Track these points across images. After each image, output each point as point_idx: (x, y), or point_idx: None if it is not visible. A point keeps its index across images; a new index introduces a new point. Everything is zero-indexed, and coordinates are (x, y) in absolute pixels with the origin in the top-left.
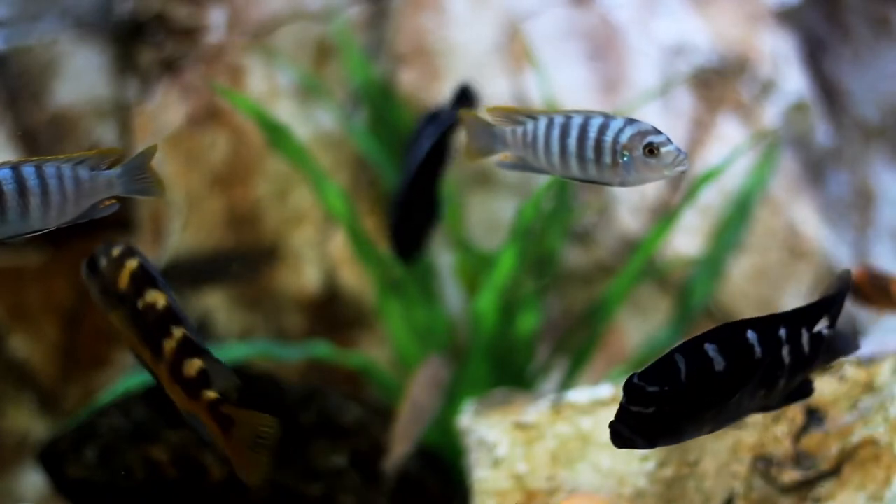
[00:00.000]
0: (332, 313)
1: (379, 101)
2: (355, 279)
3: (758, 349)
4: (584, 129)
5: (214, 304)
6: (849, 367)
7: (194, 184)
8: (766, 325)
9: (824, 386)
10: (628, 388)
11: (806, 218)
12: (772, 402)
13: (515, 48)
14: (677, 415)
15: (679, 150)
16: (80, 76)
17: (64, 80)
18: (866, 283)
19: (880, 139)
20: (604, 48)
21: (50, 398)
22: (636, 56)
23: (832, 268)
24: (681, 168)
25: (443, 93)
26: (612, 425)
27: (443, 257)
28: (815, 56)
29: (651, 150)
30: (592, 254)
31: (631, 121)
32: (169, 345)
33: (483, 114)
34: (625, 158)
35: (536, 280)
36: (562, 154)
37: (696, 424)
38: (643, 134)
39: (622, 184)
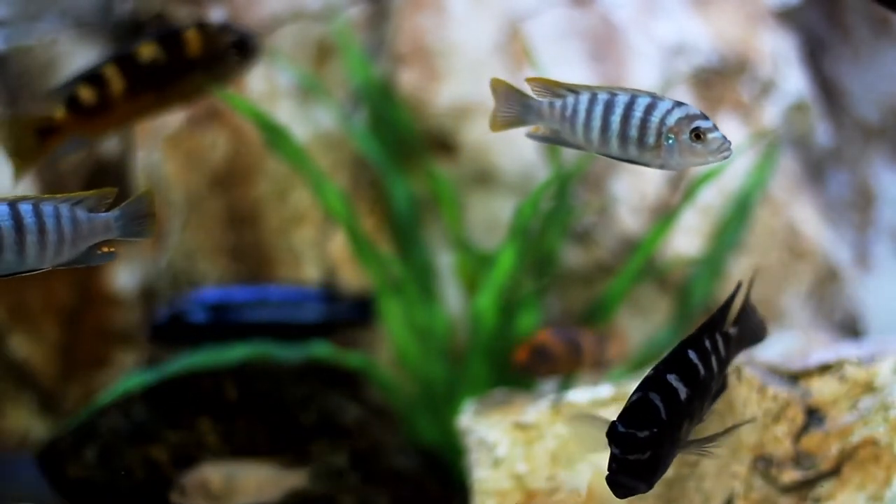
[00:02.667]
0: None
1: (379, 101)
2: (355, 279)
3: (700, 367)
4: (629, 108)
5: None
6: (849, 367)
7: (194, 184)
8: (697, 340)
9: (824, 386)
10: (620, 438)
11: (806, 218)
12: (707, 410)
13: (515, 48)
14: (666, 452)
15: (724, 138)
16: None
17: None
18: (558, 347)
19: (880, 139)
20: (604, 48)
21: (50, 398)
22: (636, 56)
23: (832, 268)
24: (724, 155)
25: (443, 93)
26: (613, 479)
27: (443, 257)
28: (815, 56)
29: (698, 134)
30: (592, 254)
31: (679, 103)
32: None
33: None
34: (669, 141)
35: (536, 280)
36: (603, 131)
37: (673, 454)
38: (691, 118)
39: (661, 166)
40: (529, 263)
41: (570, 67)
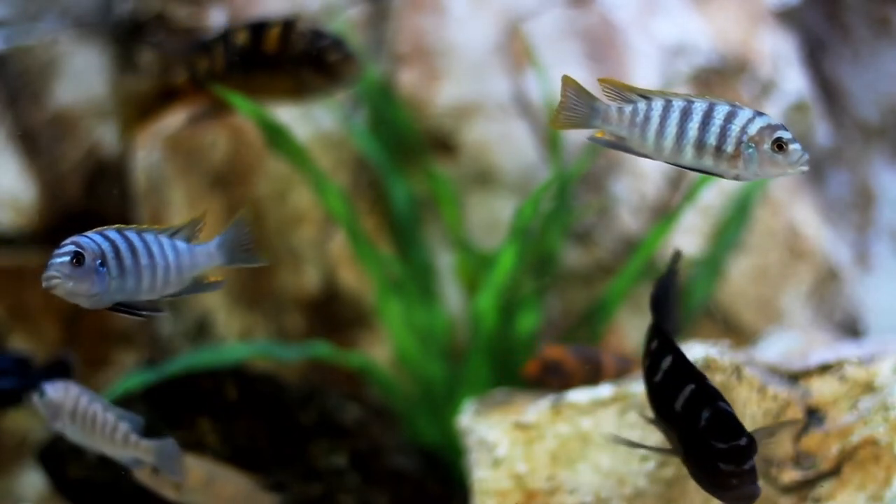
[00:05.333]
0: (332, 313)
1: (379, 101)
2: (355, 279)
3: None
4: (708, 115)
5: (214, 304)
6: (849, 367)
7: (194, 184)
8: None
9: (824, 386)
10: (733, 453)
11: (806, 218)
12: None
13: (515, 48)
14: None
15: (803, 150)
16: (80, 76)
17: (64, 80)
18: (572, 364)
19: (880, 139)
20: (604, 48)
21: None
22: (636, 56)
23: (832, 268)
24: (802, 168)
25: (443, 93)
26: (745, 492)
27: (443, 257)
28: (815, 56)
29: (780, 145)
30: (592, 254)
31: (759, 113)
32: None
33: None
34: (749, 150)
35: (536, 280)
36: (678, 138)
37: None
38: (773, 128)
39: (736, 177)
40: (529, 263)
41: (570, 68)
